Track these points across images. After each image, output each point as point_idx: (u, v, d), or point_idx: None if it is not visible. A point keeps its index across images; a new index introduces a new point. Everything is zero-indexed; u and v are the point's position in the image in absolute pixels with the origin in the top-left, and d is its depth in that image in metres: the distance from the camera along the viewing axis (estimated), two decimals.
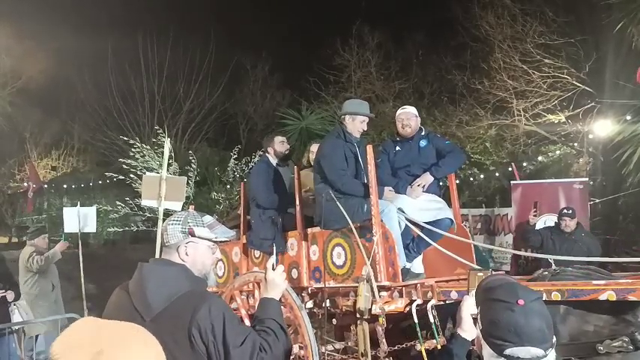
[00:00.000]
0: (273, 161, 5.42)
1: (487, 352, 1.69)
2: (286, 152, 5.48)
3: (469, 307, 2.00)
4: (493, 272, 2.54)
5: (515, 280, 1.96)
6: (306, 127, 10.33)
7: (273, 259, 2.49)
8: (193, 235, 2.22)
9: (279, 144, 5.43)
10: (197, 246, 2.24)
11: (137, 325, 1.45)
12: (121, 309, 2.12)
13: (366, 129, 4.77)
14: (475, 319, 1.85)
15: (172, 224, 2.23)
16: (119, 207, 10.82)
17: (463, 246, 4.67)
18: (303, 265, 4.88)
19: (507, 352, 1.64)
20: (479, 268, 4.60)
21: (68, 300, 11.03)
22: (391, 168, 5.01)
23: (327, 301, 4.59)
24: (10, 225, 22.38)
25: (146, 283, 2.12)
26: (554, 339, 1.70)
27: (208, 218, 2.31)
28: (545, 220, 6.83)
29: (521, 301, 1.66)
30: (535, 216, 6.47)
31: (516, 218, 7.65)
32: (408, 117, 5.00)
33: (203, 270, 2.26)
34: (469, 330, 1.99)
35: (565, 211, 6.26)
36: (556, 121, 11.97)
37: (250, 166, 11.18)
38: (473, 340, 1.97)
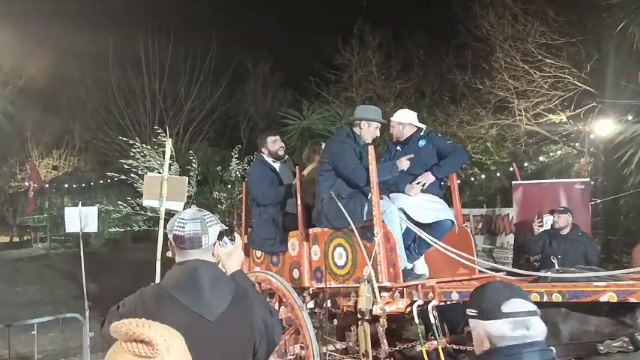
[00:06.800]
0: (268, 159, 5.46)
1: (494, 330, 1.68)
2: (280, 152, 5.48)
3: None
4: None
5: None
6: (307, 126, 10.30)
7: (226, 240, 2.53)
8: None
9: (272, 143, 5.46)
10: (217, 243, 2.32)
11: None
12: (172, 313, 2.05)
13: (378, 135, 4.82)
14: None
15: (212, 225, 2.23)
16: (120, 207, 10.81)
17: (464, 247, 4.67)
18: (304, 265, 4.89)
19: (504, 308, 1.67)
20: (482, 269, 4.62)
21: (69, 299, 11.09)
22: None
23: (329, 301, 4.61)
24: (11, 224, 22.42)
25: (203, 285, 2.13)
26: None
27: None
28: (546, 221, 6.84)
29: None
30: (540, 227, 6.47)
31: (517, 218, 7.65)
32: (391, 124, 5.14)
33: None
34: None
35: (557, 208, 6.36)
36: (557, 121, 11.97)
37: (249, 167, 11.16)
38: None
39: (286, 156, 5.62)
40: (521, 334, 1.65)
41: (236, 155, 11.31)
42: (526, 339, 1.65)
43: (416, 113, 5.23)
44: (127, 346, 1.33)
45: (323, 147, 5.38)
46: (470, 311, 1.77)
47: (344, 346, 4.96)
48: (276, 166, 5.45)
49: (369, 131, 4.69)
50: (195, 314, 2.08)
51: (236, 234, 2.53)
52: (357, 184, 4.47)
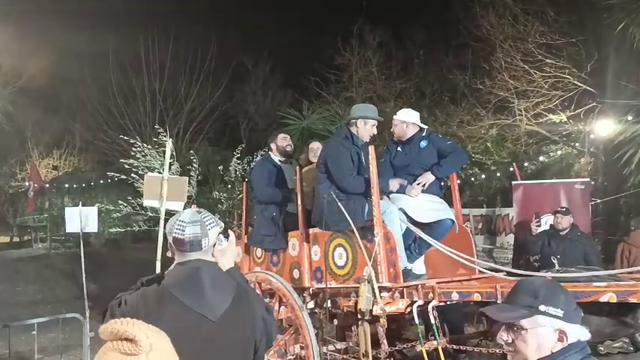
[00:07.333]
0: (275, 158, 5.52)
1: (574, 333, 1.69)
2: (287, 148, 5.57)
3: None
4: None
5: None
6: (307, 126, 10.31)
7: (221, 237, 2.50)
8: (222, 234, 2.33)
9: (282, 139, 5.58)
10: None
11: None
12: (174, 313, 2.06)
13: (376, 132, 4.82)
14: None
15: (212, 227, 2.23)
16: (121, 207, 10.81)
17: (464, 247, 4.68)
18: (304, 265, 4.89)
19: (581, 313, 1.72)
20: (482, 270, 4.61)
21: (69, 299, 11.08)
22: (392, 168, 5.04)
23: (329, 301, 4.60)
24: (11, 224, 22.43)
25: (204, 285, 2.13)
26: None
27: None
28: (546, 221, 6.84)
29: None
30: (538, 226, 6.48)
31: (517, 218, 7.65)
32: (394, 122, 5.13)
33: None
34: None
35: (558, 208, 6.37)
36: (557, 121, 11.95)
37: (252, 165, 11.15)
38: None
39: (292, 160, 5.66)
40: (586, 336, 1.73)
41: (237, 155, 11.31)
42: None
43: (418, 113, 5.24)
44: (113, 344, 1.39)
45: (314, 145, 5.42)
46: (551, 310, 1.69)
47: (344, 346, 4.96)
48: (281, 165, 5.48)
49: (365, 129, 4.69)
50: (198, 314, 2.08)
51: (230, 231, 2.51)
52: (344, 189, 4.47)
